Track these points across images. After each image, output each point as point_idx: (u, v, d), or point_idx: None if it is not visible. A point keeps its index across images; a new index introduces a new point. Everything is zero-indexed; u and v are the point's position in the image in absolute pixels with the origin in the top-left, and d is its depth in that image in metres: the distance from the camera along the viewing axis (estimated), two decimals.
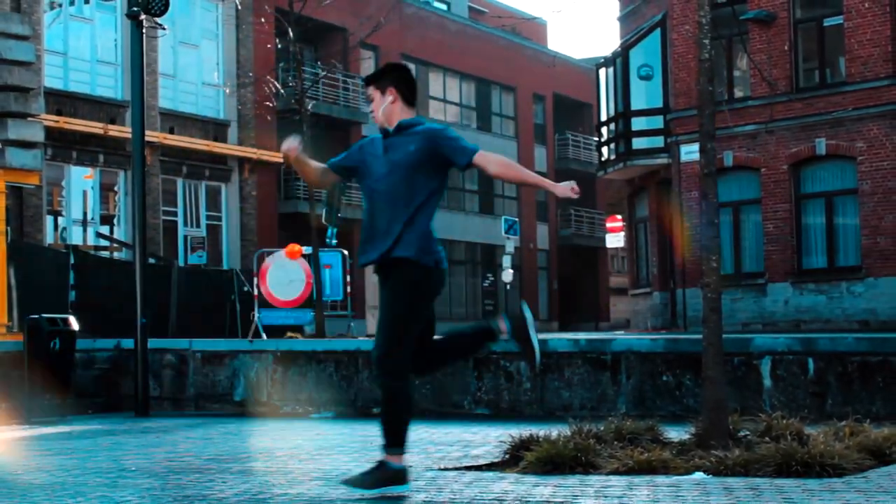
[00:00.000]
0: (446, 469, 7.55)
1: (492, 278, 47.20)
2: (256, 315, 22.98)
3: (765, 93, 26.63)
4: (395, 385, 6.38)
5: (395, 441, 6.42)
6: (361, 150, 6.69)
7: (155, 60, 30.73)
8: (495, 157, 6.49)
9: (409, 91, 6.64)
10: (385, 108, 6.58)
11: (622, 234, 36.66)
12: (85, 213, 30.08)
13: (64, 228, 29.56)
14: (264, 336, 21.56)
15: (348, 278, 25.47)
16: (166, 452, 9.30)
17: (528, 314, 6.67)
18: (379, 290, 6.60)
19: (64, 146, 28.97)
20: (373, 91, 6.63)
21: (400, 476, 6.37)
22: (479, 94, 48.17)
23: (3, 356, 14.55)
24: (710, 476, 6.79)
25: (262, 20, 33.35)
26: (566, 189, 6.37)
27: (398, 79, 6.64)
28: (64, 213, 29.68)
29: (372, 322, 40.03)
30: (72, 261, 23.30)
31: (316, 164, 6.85)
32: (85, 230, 29.93)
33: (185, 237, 32.63)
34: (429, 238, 6.44)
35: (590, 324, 52.04)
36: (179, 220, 32.58)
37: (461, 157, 6.42)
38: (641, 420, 8.32)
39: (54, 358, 14.05)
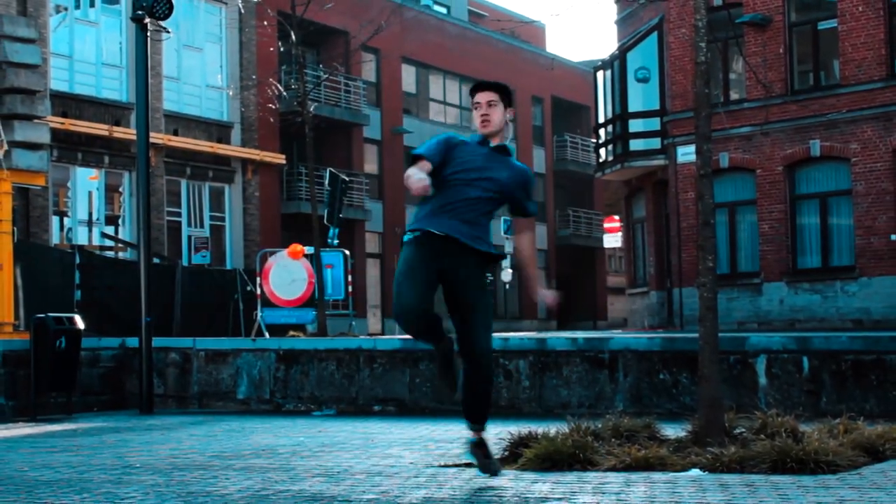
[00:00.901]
0: (447, 466, 7.57)
1: (491, 278, 47.31)
2: (259, 314, 23.04)
3: (760, 95, 26.59)
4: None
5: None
6: (455, 148, 6.91)
7: (159, 63, 30.83)
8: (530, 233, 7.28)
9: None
10: (503, 122, 6.98)
11: (619, 234, 36.71)
12: (90, 214, 30.07)
13: (69, 229, 29.53)
14: (267, 335, 21.62)
15: (350, 278, 25.44)
16: (170, 449, 9.30)
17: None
18: (459, 278, 6.76)
19: (69, 148, 29.04)
20: (497, 100, 6.96)
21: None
22: None
23: (10, 355, 14.39)
24: (707, 473, 6.82)
25: (265, 23, 33.36)
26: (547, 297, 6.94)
27: (513, 104, 7.07)
28: (69, 213, 29.65)
29: (374, 321, 40.19)
30: (77, 261, 23.20)
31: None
32: (90, 230, 29.93)
33: (189, 237, 32.64)
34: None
35: (588, 323, 51.96)
36: (183, 220, 32.62)
37: (524, 209, 7.09)
38: (638, 417, 8.34)
39: (60, 356, 13.89)
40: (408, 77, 44.29)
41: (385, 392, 13.53)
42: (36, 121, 21.89)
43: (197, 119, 33.18)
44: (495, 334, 7.78)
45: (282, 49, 34.34)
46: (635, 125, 30.70)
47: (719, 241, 26.46)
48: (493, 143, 6.99)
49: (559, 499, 5.97)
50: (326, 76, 35.16)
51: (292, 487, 6.67)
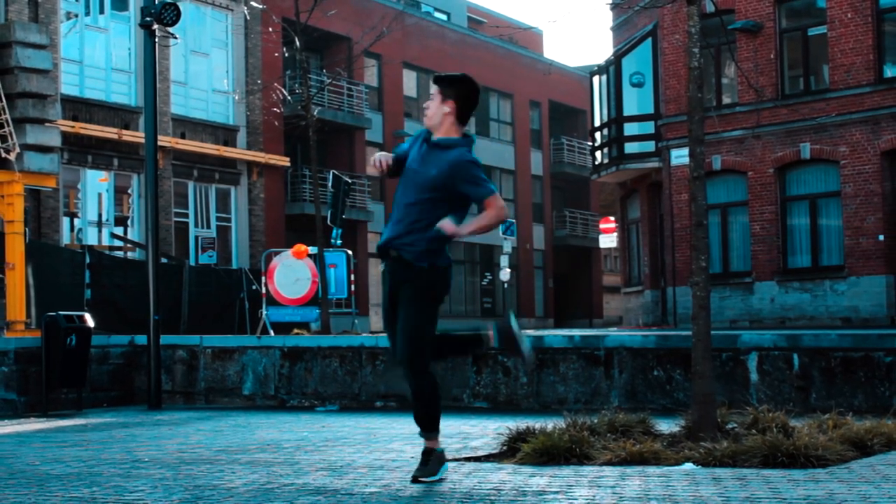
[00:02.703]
0: (446, 460, 7.51)
1: (490, 277, 47.76)
2: (264, 312, 23.33)
3: (752, 99, 26.94)
4: (425, 382, 6.60)
5: (432, 427, 6.67)
6: (412, 142, 6.77)
7: (167, 68, 31.18)
8: (494, 213, 6.60)
9: (466, 109, 6.64)
10: (438, 115, 6.64)
11: (615, 234, 37.08)
12: (100, 215, 30.33)
13: (80, 229, 29.77)
14: (272, 333, 21.92)
15: (352, 277, 25.69)
16: (178, 444, 9.39)
17: (514, 324, 6.83)
18: (383, 283, 6.79)
19: (80, 150, 29.33)
20: (436, 92, 6.65)
21: (444, 457, 6.79)
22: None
23: (22, 352, 14.54)
24: (700, 467, 6.89)
25: (270, 29, 33.50)
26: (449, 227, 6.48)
27: (461, 94, 6.63)
28: (80, 214, 29.89)
29: (376, 319, 40.59)
30: (87, 260, 23.51)
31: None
32: (100, 231, 30.19)
33: (196, 238, 32.94)
34: (436, 241, 6.55)
35: (584, 321, 52.27)
36: (190, 221, 32.92)
37: (475, 197, 6.60)
38: (633, 413, 8.48)
39: (70, 354, 14.06)
40: (409, 81, 44.58)
41: (387, 388, 13.70)
42: (47, 124, 22.42)
43: (204, 122, 33.48)
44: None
45: (286, 54, 34.77)
46: (630, 129, 30.97)
47: (712, 242, 26.63)
48: (434, 137, 6.67)
49: (556, 492, 6.05)
50: (329, 81, 35.38)
51: (296, 481, 6.78)
